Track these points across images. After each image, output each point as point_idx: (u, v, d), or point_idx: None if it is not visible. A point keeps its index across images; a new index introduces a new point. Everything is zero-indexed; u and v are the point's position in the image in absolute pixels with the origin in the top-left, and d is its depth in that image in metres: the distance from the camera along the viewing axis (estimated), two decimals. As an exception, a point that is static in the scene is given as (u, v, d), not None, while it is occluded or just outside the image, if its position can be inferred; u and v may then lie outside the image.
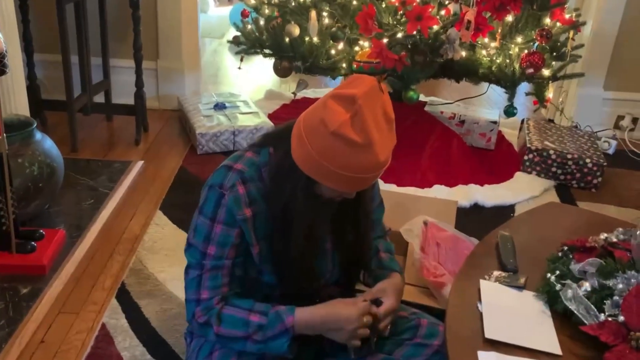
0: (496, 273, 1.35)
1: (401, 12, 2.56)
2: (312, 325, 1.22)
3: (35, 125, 2.15)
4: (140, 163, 2.78)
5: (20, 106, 2.43)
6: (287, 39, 2.71)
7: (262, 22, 2.90)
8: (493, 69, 2.67)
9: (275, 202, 1.22)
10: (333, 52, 2.68)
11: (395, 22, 2.59)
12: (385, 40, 2.52)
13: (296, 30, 2.66)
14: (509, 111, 2.74)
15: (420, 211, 2.13)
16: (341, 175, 1.12)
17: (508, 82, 2.67)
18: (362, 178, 1.14)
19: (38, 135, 2.16)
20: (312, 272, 1.30)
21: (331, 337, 1.24)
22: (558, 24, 2.69)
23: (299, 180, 1.18)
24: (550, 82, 2.71)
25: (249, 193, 1.22)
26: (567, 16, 2.70)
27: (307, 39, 2.70)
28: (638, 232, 1.26)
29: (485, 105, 3.58)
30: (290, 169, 1.18)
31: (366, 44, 2.63)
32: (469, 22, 2.44)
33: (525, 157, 2.87)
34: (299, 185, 1.18)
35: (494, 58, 2.67)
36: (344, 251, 1.35)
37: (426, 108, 3.14)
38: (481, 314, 1.22)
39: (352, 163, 1.10)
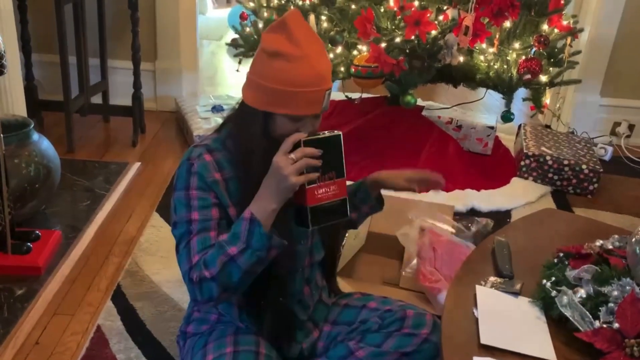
0: (492, 279, 1.35)
1: (399, 17, 2.57)
2: (264, 199, 1.18)
3: (32, 126, 2.14)
4: (137, 164, 2.78)
5: (17, 106, 2.42)
6: (285, 42, 2.71)
7: (260, 25, 2.90)
8: (490, 74, 2.68)
9: (239, 157, 1.26)
10: (331, 55, 2.69)
11: (393, 27, 2.60)
12: (383, 45, 2.52)
13: (295, 34, 2.66)
14: (506, 117, 2.74)
15: (417, 216, 2.13)
16: (286, 93, 1.19)
17: (505, 87, 2.68)
18: (306, 93, 1.19)
19: (35, 136, 2.15)
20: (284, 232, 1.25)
21: (285, 194, 1.17)
22: (556, 30, 2.70)
23: (255, 122, 1.24)
24: (547, 88, 2.72)
25: (216, 160, 1.27)
26: (564, 23, 2.71)
27: (305, 42, 2.70)
28: (633, 239, 1.26)
29: (482, 111, 3.59)
30: (246, 115, 1.26)
31: (364, 48, 2.63)
32: (467, 27, 2.45)
33: (522, 163, 2.88)
34: (255, 126, 1.24)
35: (492, 64, 2.68)
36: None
37: (423, 113, 3.15)
38: (477, 319, 1.22)
39: (293, 76, 1.19)
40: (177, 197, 1.27)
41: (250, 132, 1.26)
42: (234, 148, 1.28)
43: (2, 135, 1.86)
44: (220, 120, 3.00)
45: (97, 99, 3.17)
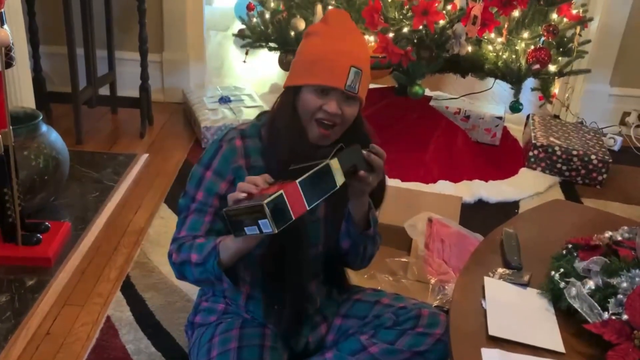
0: (500, 270, 1.35)
1: (407, 6, 2.55)
2: (229, 243, 1.19)
3: (40, 117, 2.15)
4: (145, 156, 2.79)
5: (25, 98, 2.43)
6: (292, 33, 2.70)
7: (267, 16, 2.89)
8: (499, 64, 2.66)
9: (269, 139, 1.31)
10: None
11: (401, 17, 2.58)
12: (391, 35, 2.51)
13: (302, 24, 2.65)
14: (515, 107, 2.73)
15: (425, 207, 2.13)
16: (310, 62, 1.25)
17: (514, 77, 2.66)
18: (327, 62, 1.23)
19: (43, 127, 2.16)
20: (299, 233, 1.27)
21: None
22: (565, 19, 2.68)
23: (286, 101, 1.29)
24: (556, 78, 2.70)
25: (246, 147, 1.31)
26: (574, 12, 2.69)
27: (312, 33, 2.70)
28: (643, 231, 1.26)
29: (490, 101, 3.57)
30: (280, 98, 1.32)
31: (372, 38, 2.62)
32: (475, 17, 2.43)
33: (530, 153, 2.87)
34: (286, 105, 1.29)
35: (500, 53, 2.66)
36: (335, 222, 1.36)
37: (431, 103, 3.14)
38: (485, 311, 1.22)
39: (317, 47, 1.26)
40: (195, 169, 1.34)
41: (281, 112, 1.30)
42: (266, 134, 1.32)
43: (11, 127, 1.87)
44: (227, 113, 3.04)
45: (104, 91, 3.18)
